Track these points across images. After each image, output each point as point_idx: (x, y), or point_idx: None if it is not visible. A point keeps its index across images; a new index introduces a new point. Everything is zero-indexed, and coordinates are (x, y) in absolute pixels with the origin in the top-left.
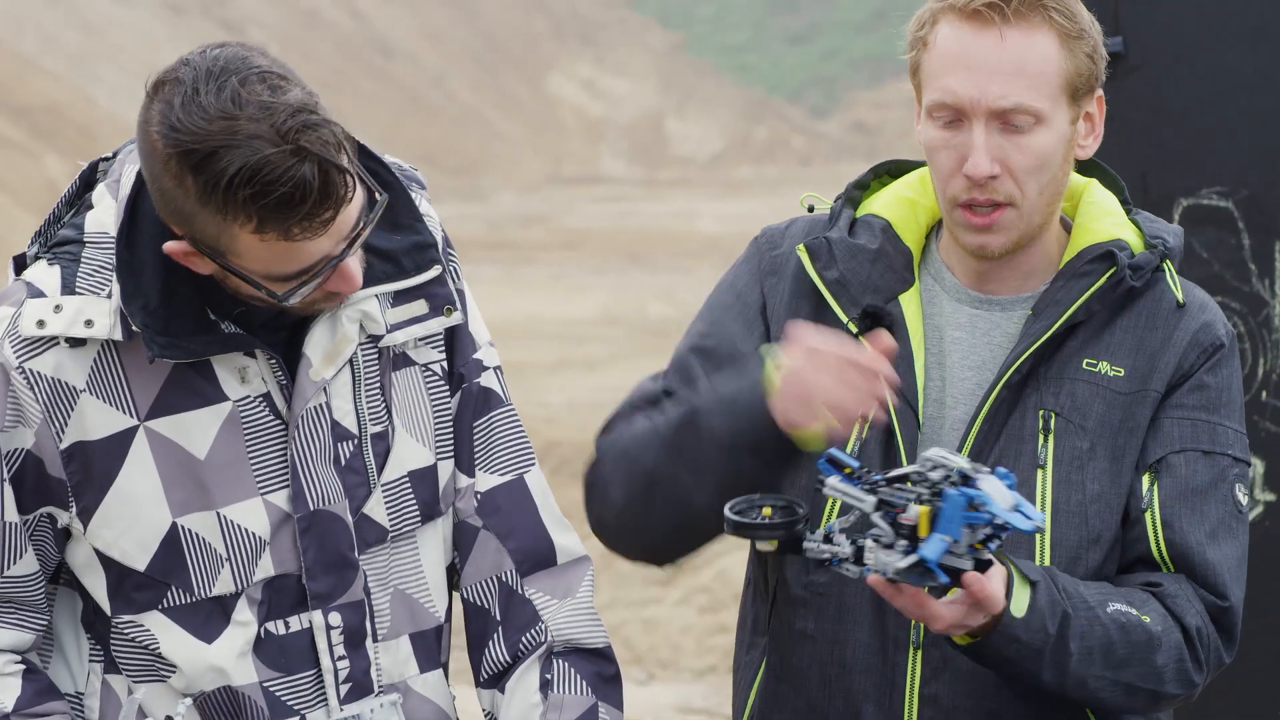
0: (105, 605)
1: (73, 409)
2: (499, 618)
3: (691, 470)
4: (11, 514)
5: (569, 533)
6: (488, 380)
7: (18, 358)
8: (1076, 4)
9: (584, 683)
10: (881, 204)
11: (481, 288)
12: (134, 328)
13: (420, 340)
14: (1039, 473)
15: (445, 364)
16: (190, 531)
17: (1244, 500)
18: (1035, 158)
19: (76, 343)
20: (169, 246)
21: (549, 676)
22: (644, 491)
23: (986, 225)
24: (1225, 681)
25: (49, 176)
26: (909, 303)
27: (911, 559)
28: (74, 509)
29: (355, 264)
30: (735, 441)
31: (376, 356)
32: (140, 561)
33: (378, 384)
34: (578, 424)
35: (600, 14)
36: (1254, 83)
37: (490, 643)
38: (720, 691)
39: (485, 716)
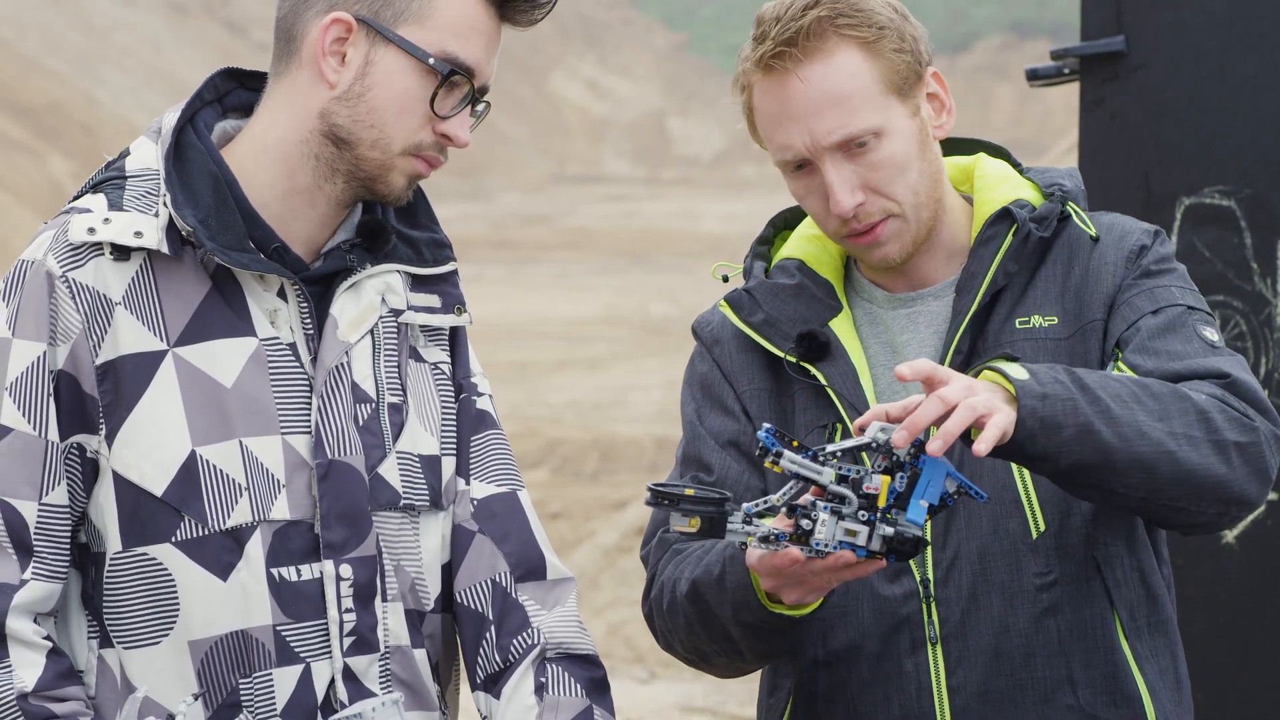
0: (116, 540)
1: (110, 323)
2: (493, 619)
3: (721, 633)
4: (54, 433)
5: (555, 555)
6: (483, 404)
7: (62, 267)
8: (864, 5)
9: (578, 686)
10: (790, 249)
11: (485, 287)
12: (183, 234)
13: (430, 339)
14: None
15: (450, 366)
16: (208, 462)
17: (1216, 337)
18: (891, 167)
19: (120, 256)
20: (324, 23)
21: (543, 680)
22: (698, 650)
23: (874, 240)
24: (1227, 680)
25: (52, 177)
26: (840, 325)
27: (904, 527)
28: (103, 431)
29: (464, 126)
30: (737, 617)
31: (396, 333)
32: (158, 485)
33: (396, 361)
34: (581, 423)
35: (603, 14)
36: (1256, 82)
37: (483, 644)
38: (722, 690)
39: None
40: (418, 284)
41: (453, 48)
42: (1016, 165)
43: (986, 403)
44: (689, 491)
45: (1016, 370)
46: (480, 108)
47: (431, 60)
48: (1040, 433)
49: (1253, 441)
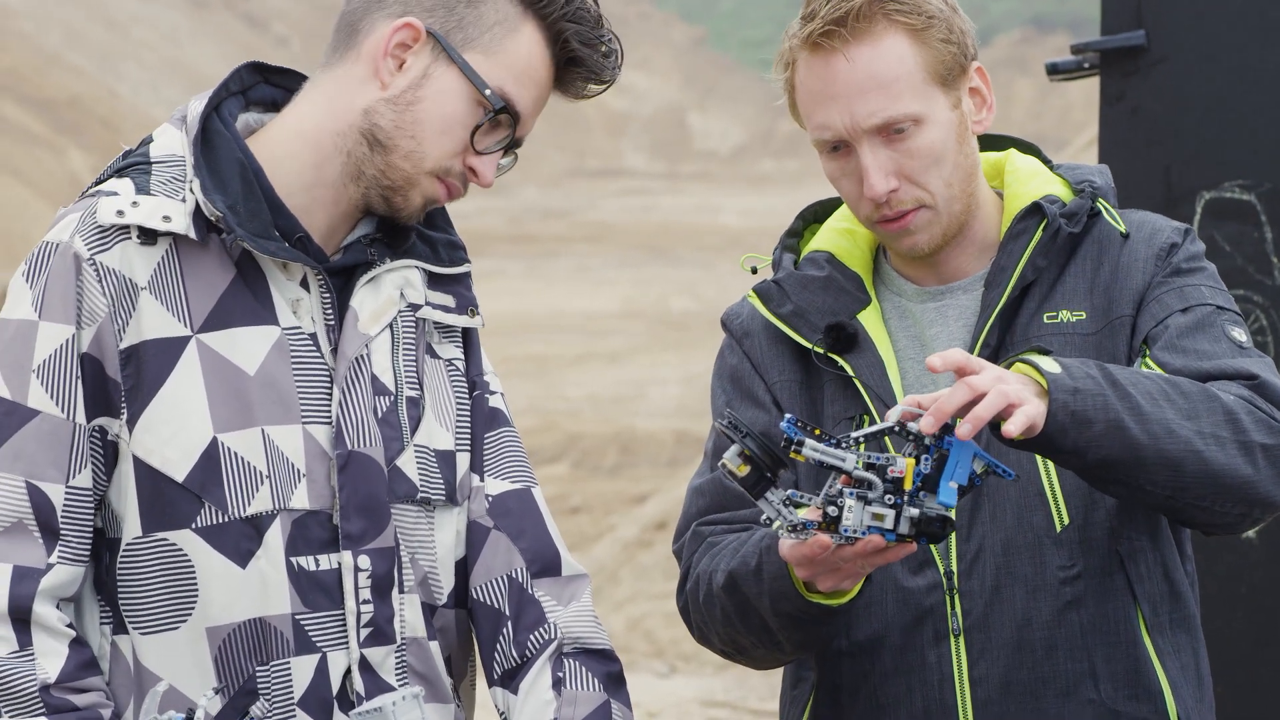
0: (135, 525)
1: (134, 307)
2: (509, 614)
3: (759, 625)
4: (81, 416)
5: (569, 552)
6: (496, 402)
7: (89, 249)
8: None
9: (596, 681)
10: (819, 241)
11: (504, 282)
12: (211, 220)
13: (444, 336)
14: None
15: (464, 363)
16: (229, 449)
17: (1244, 338)
18: (927, 156)
19: (147, 240)
20: (395, 25)
21: (560, 675)
22: (734, 642)
23: (904, 228)
24: (1247, 675)
25: (72, 170)
26: (868, 318)
27: (931, 508)
28: (124, 415)
29: (493, 167)
30: (775, 607)
31: (414, 328)
32: (180, 471)
33: (414, 355)
34: (600, 417)
35: (622, 9)
36: (1277, 76)
37: (500, 640)
38: (743, 685)
39: (500, 717)
40: (434, 283)
41: (510, 88)
42: (1047, 162)
43: (1018, 392)
44: (746, 452)
45: (1049, 364)
46: (508, 160)
47: (488, 92)
48: (1071, 427)
49: (1278, 444)
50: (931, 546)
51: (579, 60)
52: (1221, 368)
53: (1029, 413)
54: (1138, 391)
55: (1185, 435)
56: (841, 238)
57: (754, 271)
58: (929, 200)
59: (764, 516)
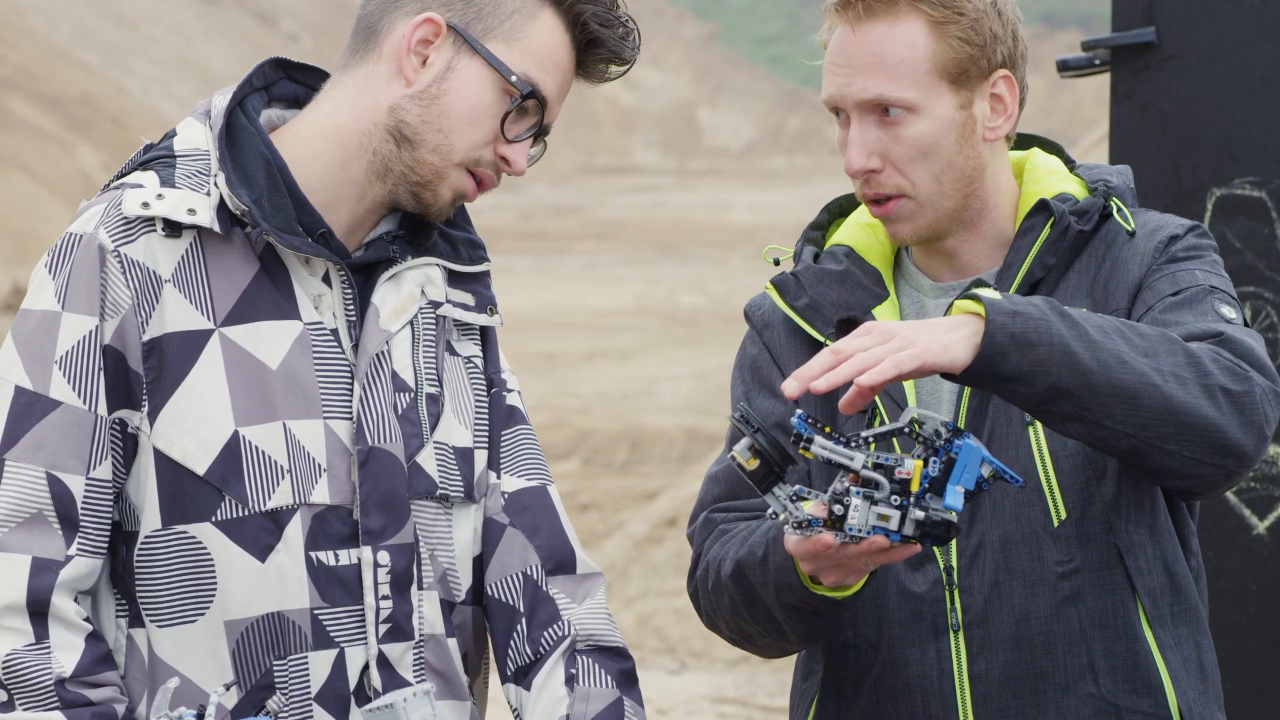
0: (155, 517)
1: (158, 300)
2: (524, 611)
3: (765, 614)
4: (103, 408)
5: (583, 551)
6: (513, 400)
7: (114, 241)
8: None
9: (609, 678)
10: (841, 235)
11: (514, 278)
12: (236, 214)
13: (463, 334)
14: (1030, 430)
15: (482, 360)
16: (251, 443)
17: (1233, 315)
18: (914, 148)
19: (172, 233)
20: (416, 21)
21: (574, 671)
22: (742, 630)
23: (885, 215)
24: (1259, 671)
25: (82, 167)
26: (884, 313)
27: (936, 511)
28: (145, 408)
29: (524, 155)
30: (779, 598)
31: (434, 325)
32: (201, 464)
33: (434, 352)
34: (609, 414)
35: (634, 4)
36: None
37: (514, 637)
38: (753, 681)
39: (512, 713)
40: (453, 281)
41: (535, 74)
42: (1069, 162)
43: (891, 346)
44: (757, 446)
45: (989, 292)
46: (537, 148)
47: (514, 79)
48: (1012, 349)
49: (1245, 390)
50: None
51: (599, 41)
52: (1190, 331)
53: (898, 361)
54: (1088, 324)
55: (1140, 368)
56: (863, 232)
57: (776, 263)
58: (910, 191)
59: (770, 511)
